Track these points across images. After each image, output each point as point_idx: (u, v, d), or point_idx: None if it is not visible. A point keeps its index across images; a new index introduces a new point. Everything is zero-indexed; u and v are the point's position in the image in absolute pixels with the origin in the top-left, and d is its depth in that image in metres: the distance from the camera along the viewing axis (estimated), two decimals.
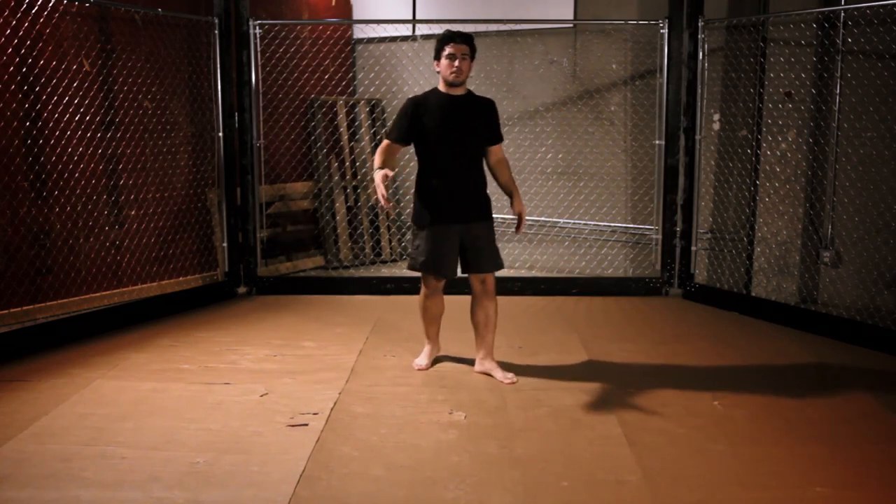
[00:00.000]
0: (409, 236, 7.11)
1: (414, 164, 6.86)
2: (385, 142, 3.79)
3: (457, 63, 3.64)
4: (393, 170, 3.74)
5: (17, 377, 3.85)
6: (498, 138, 3.86)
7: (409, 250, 3.91)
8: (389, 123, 3.88)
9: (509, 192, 3.87)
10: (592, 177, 6.32)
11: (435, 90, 3.79)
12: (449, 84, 3.70)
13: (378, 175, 3.62)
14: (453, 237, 3.74)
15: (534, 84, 6.60)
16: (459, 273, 3.86)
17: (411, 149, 3.83)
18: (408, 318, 5.03)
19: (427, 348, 4.09)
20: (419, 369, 4.00)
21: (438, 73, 3.72)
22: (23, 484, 2.73)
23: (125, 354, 4.22)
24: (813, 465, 2.92)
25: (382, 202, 3.58)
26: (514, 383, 3.76)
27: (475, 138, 3.79)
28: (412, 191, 4.02)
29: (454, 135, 3.72)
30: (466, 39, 3.68)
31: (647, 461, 2.93)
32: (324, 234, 6.72)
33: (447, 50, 3.66)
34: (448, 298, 5.78)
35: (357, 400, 3.56)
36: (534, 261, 6.53)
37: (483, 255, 3.80)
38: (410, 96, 3.83)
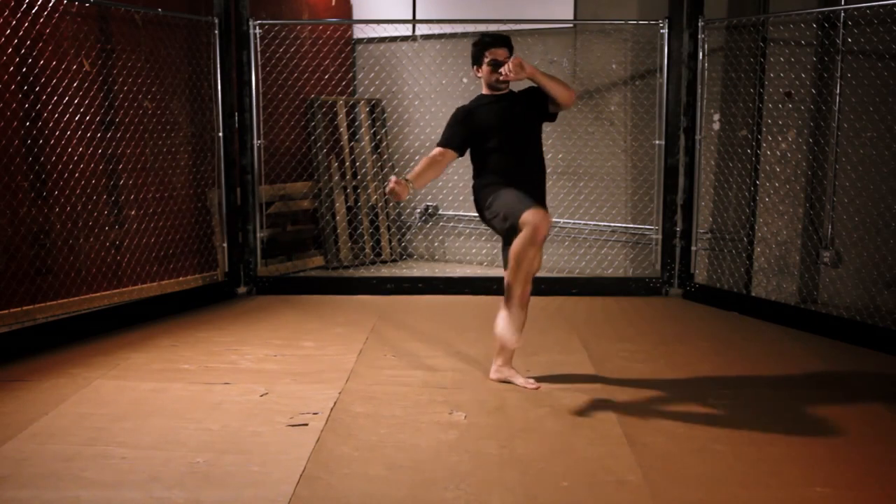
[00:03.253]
0: (420, 236, 7.12)
1: (418, 141, 6.86)
2: (436, 149, 3.61)
3: (503, 68, 3.55)
4: (420, 186, 3.53)
5: (17, 377, 3.85)
6: (556, 110, 3.71)
7: (497, 221, 3.53)
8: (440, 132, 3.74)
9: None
10: (592, 177, 6.32)
11: (480, 96, 3.74)
12: (493, 88, 3.66)
13: (392, 178, 3.33)
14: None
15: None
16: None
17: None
18: (408, 318, 5.03)
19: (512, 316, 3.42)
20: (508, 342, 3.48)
21: (479, 78, 3.68)
22: (23, 484, 2.73)
23: (125, 354, 4.22)
24: (813, 465, 2.91)
25: (392, 184, 3.30)
26: (537, 388, 3.67)
27: (533, 129, 3.74)
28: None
29: (512, 134, 3.64)
30: (505, 42, 3.63)
31: (647, 461, 2.93)
32: (324, 234, 6.73)
33: (488, 56, 3.60)
34: (448, 298, 5.79)
35: (357, 400, 3.56)
36: None
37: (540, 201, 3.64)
38: (458, 106, 3.75)
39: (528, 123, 3.74)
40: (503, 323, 3.41)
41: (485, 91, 3.73)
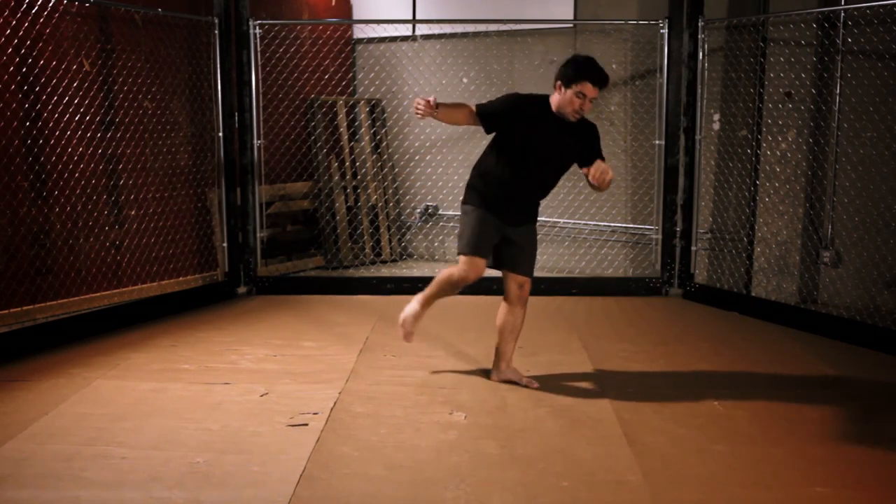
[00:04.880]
0: (420, 236, 7.11)
1: (418, 141, 6.86)
2: (472, 106, 3.49)
3: (585, 105, 3.44)
4: (443, 118, 3.44)
5: (17, 377, 3.84)
6: (594, 158, 3.54)
7: (459, 233, 3.69)
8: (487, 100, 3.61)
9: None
10: None
11: (546, 102, 3.54)
12: (561, 112, 3.50)
13: (425, 98, 3.34)
14: (496, 234, 3.59)
15: (534, 84, 6.59)
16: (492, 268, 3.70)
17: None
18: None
19: (417, 310, 3.73)
20: (402, 327, 3.74)
21: (556, 94, 3.49)
22: (23, 484, 2.73)
23: (125, 354, 4.22)
24: (813, 465, 2.91)
25: (422, 99, 3.30)
26: (536, 387, 3.69)
27: (563, 165, 3.64)
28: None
29: (545, 158, 3.55)
30: (604, 84, 3.45)
31: (647, 461, 2.93)
32: (324, 234, 6.72)
33: (586, 89, 3.41)
34: (448, 298, 5.77)
35: (357, 400, 3.56)
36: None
37: (524, 256, 3.67)
38: (519, 92, 3.61)
39: (564, 159, 3.62)
40: (406, 310, 3.75)
41: (553, 106, 3.53)
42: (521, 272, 3.68)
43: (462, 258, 3.58)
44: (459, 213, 3.77)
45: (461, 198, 3.75)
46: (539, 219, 3.80)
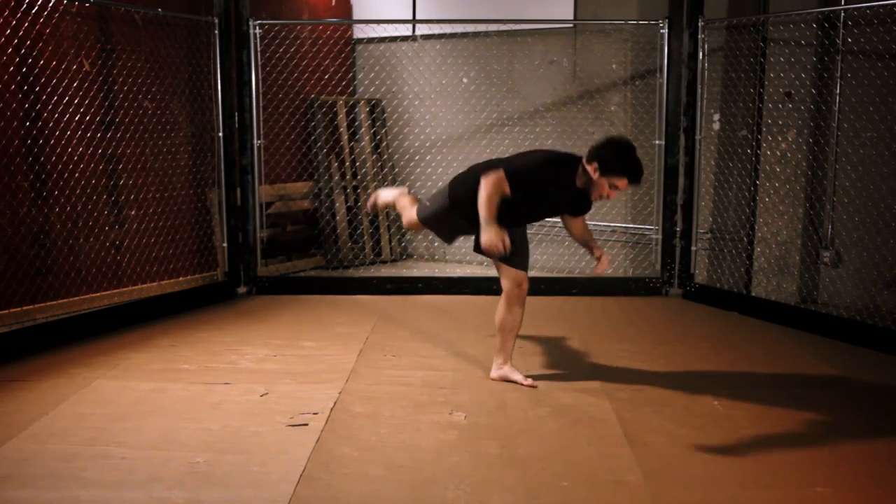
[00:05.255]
0: (420, 236, 7.11)
1: (418, 141, 6.86)
2: (501, 173, 3.41)
3: (613, 195, 3.45)
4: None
5: (17, 377, 3.84)
6: (587, 211, 3.74)
7: (427, 201, 3.89)
8: (515, 157, 3.58)
9: (587, 244, 3.84)
10: None
11: (571, 169, 3.48)
12: (586, 188, 3.47)
13: (498, 233, 3.37)
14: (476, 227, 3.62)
15: (534, 84, 6.60)
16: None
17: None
18: (408, 318, 5.03)
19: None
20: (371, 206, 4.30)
21: (589, 171, 3.40)
22: (23, 484, 2.73)
23: (125, 354, 4.22)
24: (813, 465, 2.91)
25: (501, 247, 3.36)
26: (534, 387, 3.69)
27: (564, 212, 3.77)
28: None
29: (551, 211, 3.70)
30: (639, 182, 3.44)
31: (647, 461, 2.93)
32: (324, 234, 6.73)
33: (621, 183, 3.38)
34: (448, 298, 5.79)
35: (357, 400, 3.56)
36: (534, 261, 6.52)
37: (521, 253, 3.68)
38: (550, 157, 3.55)
39: (564, 212, 3.76)
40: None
41: (579, 181, 3.49)
42: (522, 268, 3.71)
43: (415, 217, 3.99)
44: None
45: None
46: None
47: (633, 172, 3.37)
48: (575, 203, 3.69)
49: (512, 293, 3.70)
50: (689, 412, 3.43)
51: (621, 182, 3.37)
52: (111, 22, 5.10)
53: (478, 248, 3.70)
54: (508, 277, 3.69)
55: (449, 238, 4.04)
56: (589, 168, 3.40)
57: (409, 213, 3.97)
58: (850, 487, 2.75)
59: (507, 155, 4.01)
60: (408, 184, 7.06)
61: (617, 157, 3.35)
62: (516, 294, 3.70)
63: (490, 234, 3.38)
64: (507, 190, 3.43)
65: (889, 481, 2.81)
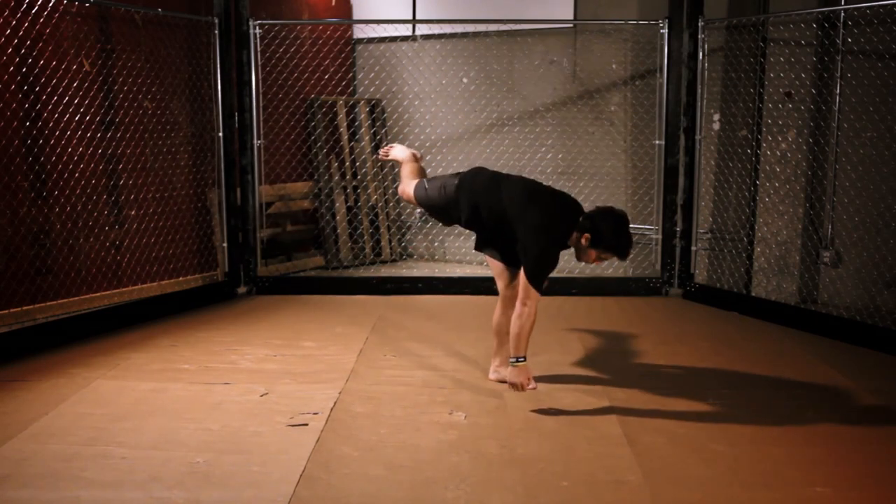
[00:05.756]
0: (420, 236, 7.11)
1: (418, 141, 6.86)
2: (538, 297, 3.35)
3: (598, 264, 3.49)
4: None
5: (17, 377, 3.84)
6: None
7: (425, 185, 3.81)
8: (541, 274, 3.39)
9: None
10: (592, 177, 6.32)
11: (564, 238, 3.43)
12: (577, 254, 3.45)
13: (526, 374, 3.35)
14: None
15: (534, 84, 6.60)
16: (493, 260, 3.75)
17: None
18: (408, 318, 5.03)
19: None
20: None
21: (579, 238, 3.36)
22: (23, 484, 2.73)
23: (125, 354, 4.22)
24: (813, 465, 2.91)
25: (525, 389, 3.36)
26: (534, 389, 3.59)
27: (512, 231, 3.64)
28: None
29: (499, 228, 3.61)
30: (625, 258, 3.44)
31: (647, 461, 2.93)
32: (324, 234, 6.73)
33: (608, 257, 3.39)
34: (448, 298, 5.80)
35: (357, 400, 3.56)
36: None
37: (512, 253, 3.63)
38: (559, 238, 3.44)
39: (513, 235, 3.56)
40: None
41: (570, 241, 3.44)
42: (517, 265, 3.67)
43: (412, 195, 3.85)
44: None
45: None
46: None
47: (623, 250, 3.36)
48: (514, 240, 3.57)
49: (503, 294, 3.74)
50: (689, 412, 3.43)
51: (610, 257, 3.41)
52: (111, 22, 5.10)
53: (478, 247, 3.76)
54: (503, 280, 3.73)
55: (444, 223, 4.00)
56: (581, 238, 3.37)
57: (407, 185, 3.87)
58: (850, 487, 2.76)
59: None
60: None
61: (611, 234, 3.33)
62: (508, 296, 3.72)
63: (518, 376, 3.34)
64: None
65: (889, 481, 2.81)
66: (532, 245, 3.35)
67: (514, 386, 3.39)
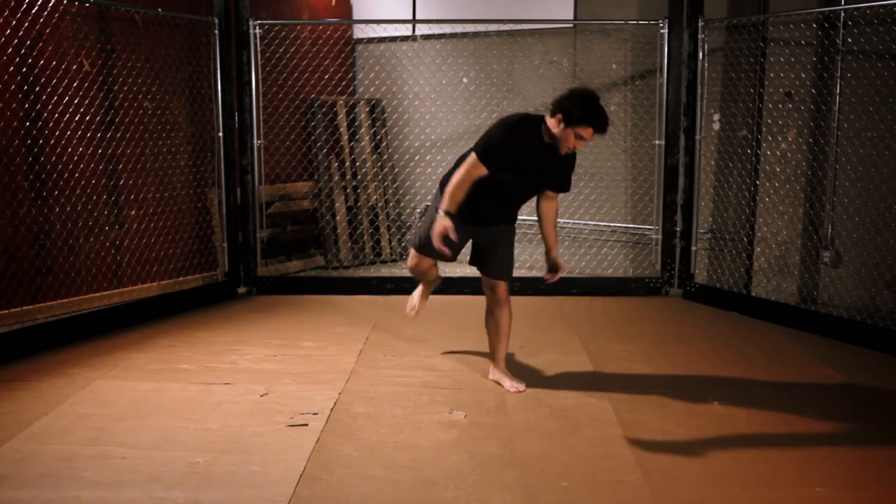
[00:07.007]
0: (408, 236, 7.11)
1: (418, 141, 6.86)
2: (472, 157, 3.38)
3: (580, 145, 3.35)
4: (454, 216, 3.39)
5: (17, 377, 3.85)
6: (565, 188, 3.66)
7: (417, 226, 3.79)
8: (481, 140, 3.45)
9: (549, 240, 3.71)
10: (592, 177, 6.32)
11: (539, 128, 3.40)
12: (552, 141, 3.38)
13: (442, 224, 3.32)
14: (463, 234, 3.53)
15: (534, 84, 6.60)
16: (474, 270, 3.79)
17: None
18: (408, 317, 5.02)
19: (419, 289, 4.11)
20: (410, 310, 4.11)
21: (553, 125, 3.32)
22: (23, 484, 2.73)
23: (125, 354, 4.22)
24: (813, 465, 2.91)
25: (437, 243, 3.33)
26: (521, 392, 3.66)
27: (545, 185, 3.62)
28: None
29: (529, 179, 3.50)
30: (604, 132, 3.36)
31: (647, 461, 2.93)
32: (324, 234, 6.72)
33: (586, 133, 3.30)
34: (450, 298, 5.80)
35: (357, 400, 3.56)
36: (534, 261, 6.53)
37: (495, 257, 3.67)
38: (509, 119, 3.45)
39: (546, 182, 3.60)
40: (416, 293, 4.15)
41: (545, 134, 3.39)
42: (489, 274, 3.71)
43: (411, 252, 3.84)
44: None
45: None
46: None
47: (597, 120, 3.29)
48: (555, 172, 3.56)
49: (488, 297, 3.77)
50: (689, 412, 3.43)
51: (586, 132, 3.29)
52: (111, 22, 5.10)
53: (473, 261, 3.77)
54: (483, 282, 3.77)
55: (451, 251, 3.67)
56: (553, 121, 3.32)
57: (410, 260, 3.90)
58: (850, 487, 2.76)
59: None
60: (407, 184, 7.07)
61: (580, 107, 3.27)
62: (491, 298, 3.74)
63: (440, 224, 3.33)
64: (484, 171, 3.37)
65: (889, 481, 2.81)
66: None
67: (433, 236, 3.37)
